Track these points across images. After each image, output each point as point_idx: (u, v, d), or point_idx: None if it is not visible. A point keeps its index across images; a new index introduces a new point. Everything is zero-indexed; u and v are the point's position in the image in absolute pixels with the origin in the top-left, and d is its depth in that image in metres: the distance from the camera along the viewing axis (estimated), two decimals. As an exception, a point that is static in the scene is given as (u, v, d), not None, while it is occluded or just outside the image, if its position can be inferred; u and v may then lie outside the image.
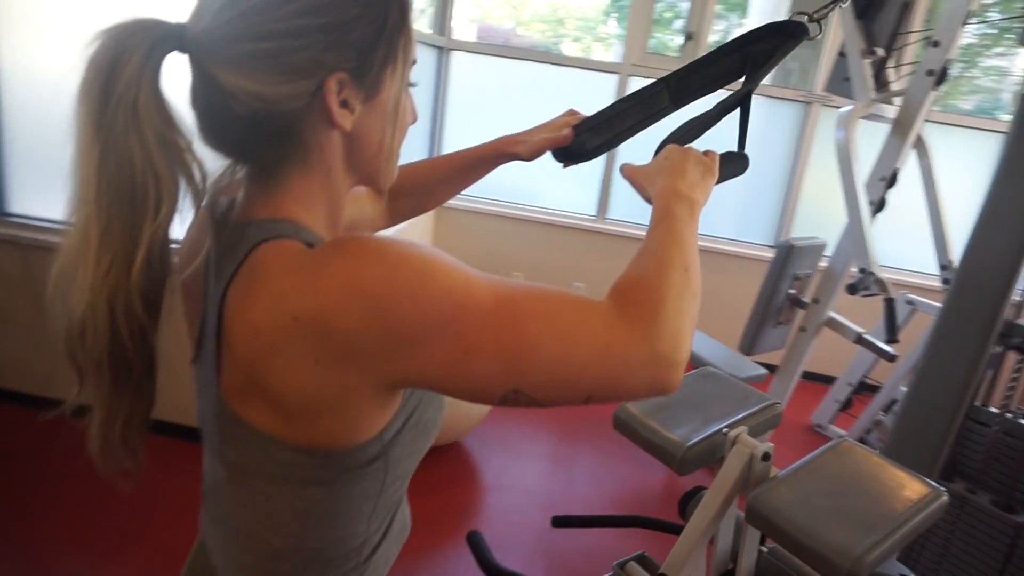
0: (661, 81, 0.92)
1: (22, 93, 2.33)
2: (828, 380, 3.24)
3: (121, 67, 0.52)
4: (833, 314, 2.54)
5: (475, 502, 2.43)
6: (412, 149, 3.62)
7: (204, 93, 0.56)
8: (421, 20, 3.86)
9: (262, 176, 0.60)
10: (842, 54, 2.49)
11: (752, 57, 0.91)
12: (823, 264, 2.62)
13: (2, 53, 2.27)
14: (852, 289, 2.24)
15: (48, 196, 2.44)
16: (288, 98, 0.55)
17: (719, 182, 0.79)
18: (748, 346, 2.59)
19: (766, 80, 0.98)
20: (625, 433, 1.45)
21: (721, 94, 0.92)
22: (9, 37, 2.26)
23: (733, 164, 0.85)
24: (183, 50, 0.55)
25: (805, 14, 0.93)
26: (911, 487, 1.21)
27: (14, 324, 2.48)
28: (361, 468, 0.60)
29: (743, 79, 0.92)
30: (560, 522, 1.79)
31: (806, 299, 2.57)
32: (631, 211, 3.96)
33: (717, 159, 0.79)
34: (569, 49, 4.41)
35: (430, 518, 2.20)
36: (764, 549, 1.41)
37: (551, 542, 2.20)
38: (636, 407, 1.47)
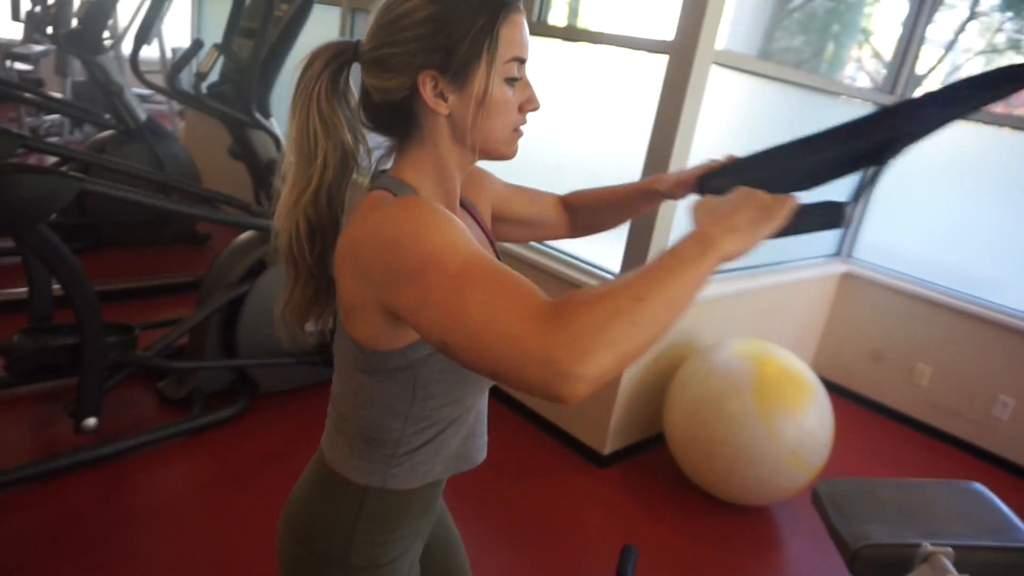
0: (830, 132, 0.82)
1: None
2: None
3: (308, 68, 0.77)
4: None
5: (754, 571, 2.24)
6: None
7: (361, 88, 0.80)
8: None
9: (396, 146, 0.84)
10: None
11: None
12: None
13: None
14: None
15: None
16: (394, 89, 0.76)
17: (795, 233, 0.72)
18: None
19: None
20: (816, 507, 1.27)
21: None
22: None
23: (819, 215, 0.74)
24: (356, 60, 0.79)
25: None
26: None
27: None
28: (389, 372, 0.79)
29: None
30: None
31: None
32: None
33: (790, 207, 0.72)
34: None
35: (707, 564, 2.15)
36: None
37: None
38: (846, 487, 1.26)
